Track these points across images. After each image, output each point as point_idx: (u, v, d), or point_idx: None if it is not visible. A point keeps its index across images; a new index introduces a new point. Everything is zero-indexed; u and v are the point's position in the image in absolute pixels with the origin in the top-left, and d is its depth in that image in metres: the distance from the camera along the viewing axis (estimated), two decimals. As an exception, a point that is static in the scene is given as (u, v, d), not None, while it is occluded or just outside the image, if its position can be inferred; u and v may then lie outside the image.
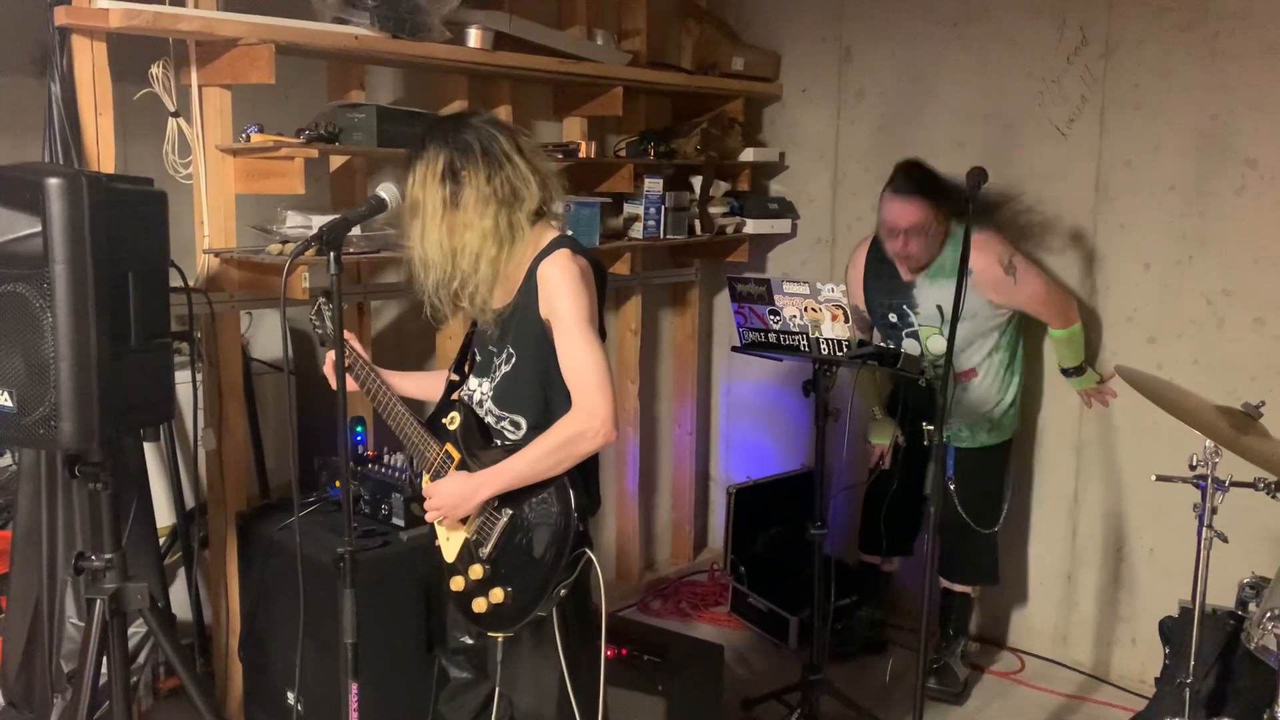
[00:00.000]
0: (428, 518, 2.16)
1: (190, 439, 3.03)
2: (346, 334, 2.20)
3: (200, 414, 2.93)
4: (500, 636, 2.13)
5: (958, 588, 3.48)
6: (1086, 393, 3.52)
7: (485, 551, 2.10)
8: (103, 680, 2.33)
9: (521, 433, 2.12)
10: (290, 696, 2.78)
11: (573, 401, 2.03)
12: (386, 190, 2.04)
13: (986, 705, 3.49)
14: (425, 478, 2.21)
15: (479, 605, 2.10)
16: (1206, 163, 3.31)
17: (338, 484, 2.96)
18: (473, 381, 2.22)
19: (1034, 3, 3.59)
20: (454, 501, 2.09)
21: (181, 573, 3.03)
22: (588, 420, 1.99)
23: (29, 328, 2.04)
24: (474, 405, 2.19)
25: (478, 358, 2.22)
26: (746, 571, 3.99)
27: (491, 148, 2.02)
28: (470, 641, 2.29)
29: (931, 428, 2.61)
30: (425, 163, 2.01)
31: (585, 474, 2.10)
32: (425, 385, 2.39)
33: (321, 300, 2.34)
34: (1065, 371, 3.47)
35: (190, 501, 3.06)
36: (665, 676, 2.73)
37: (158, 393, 2.26)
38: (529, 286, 2.05)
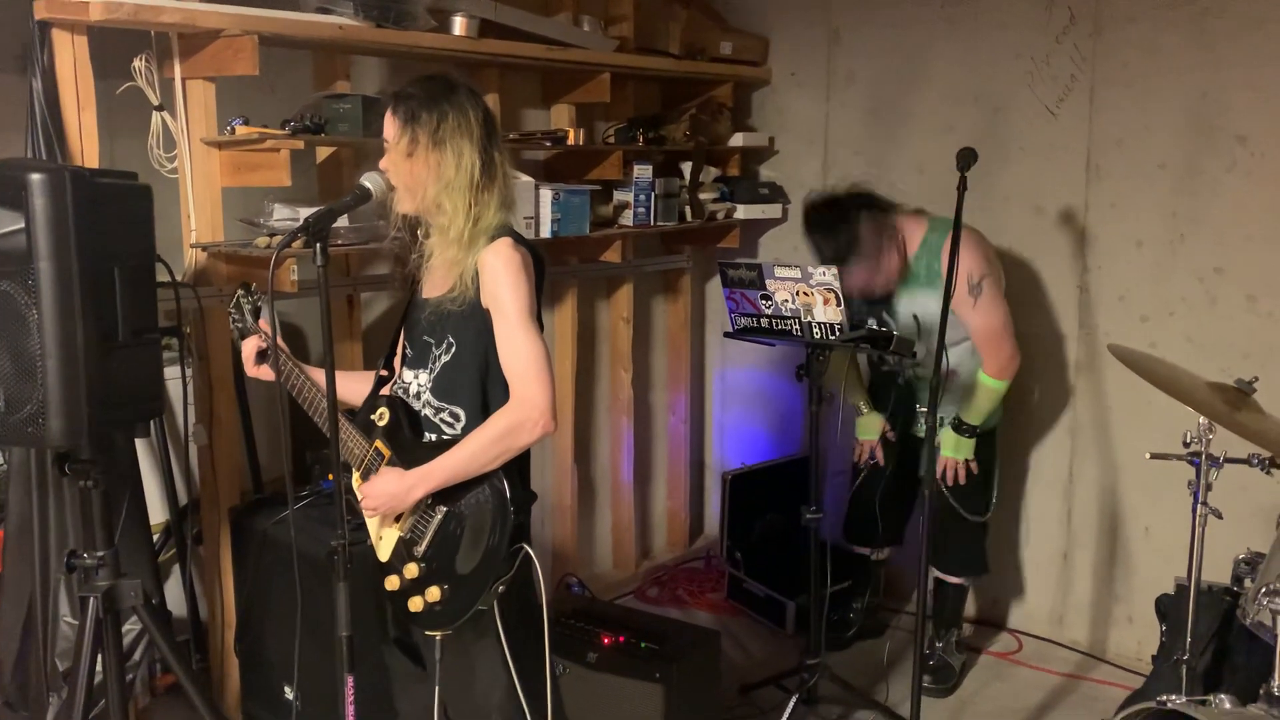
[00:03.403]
0: (365, 514, 2.14)
1: (181, 435, 3.02)
2: (264, 326, 2.19)
3: (191, 409, 2.91)
4: (439, 635, 2.10)
5: (950, 579, 3.46)
6: (946, 460, 3.24)
7: (420, 550, 2.09)
8: (98, 678, 2.32)
9: (461, 424, 2.10)
10: (288, 691, 2.77)
11: (510, 392, 2.02)
12: (371, 180, 2.02)
13: (985, 686, 3.50)
14: (355, 475, 2.19)
15: (415, 604, 2.08)
16: (1197, 140, 3.31)
17: (330, 477, 2.95)
18: (407, 374, 2.19)
19: (1022, -18, 3.58)
20: (388, 500, 2.08)
21: (176, 569, 3.02)
22: (526, 411, 1.99)
23: (15, 325, 2.02)
24: (410, 398, 2.16)
25: (409, 351, 2.20)
26: (743, 557, 3.99)
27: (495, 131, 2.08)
28: (408, 637, 2.25)
29: (925, 410, 2.60)
30: (460, 113, 2.02)
31: (519, 467, 2.08)
32: (349, 386, 2.31)
33: (240, 292, 2.31)
34: (959, 427, 3.21)
35: (183, 497, 3.04)
36: (663, 664, 2.73)
37: (147, 389, 2.25)
38: (472, 274, 2.03)
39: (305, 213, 2.86)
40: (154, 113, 2.80)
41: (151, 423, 2.77)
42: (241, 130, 2.75)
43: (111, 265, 2.12)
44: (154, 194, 2.29)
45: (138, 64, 2.72)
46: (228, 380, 2.94)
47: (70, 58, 2.51)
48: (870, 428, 3.46)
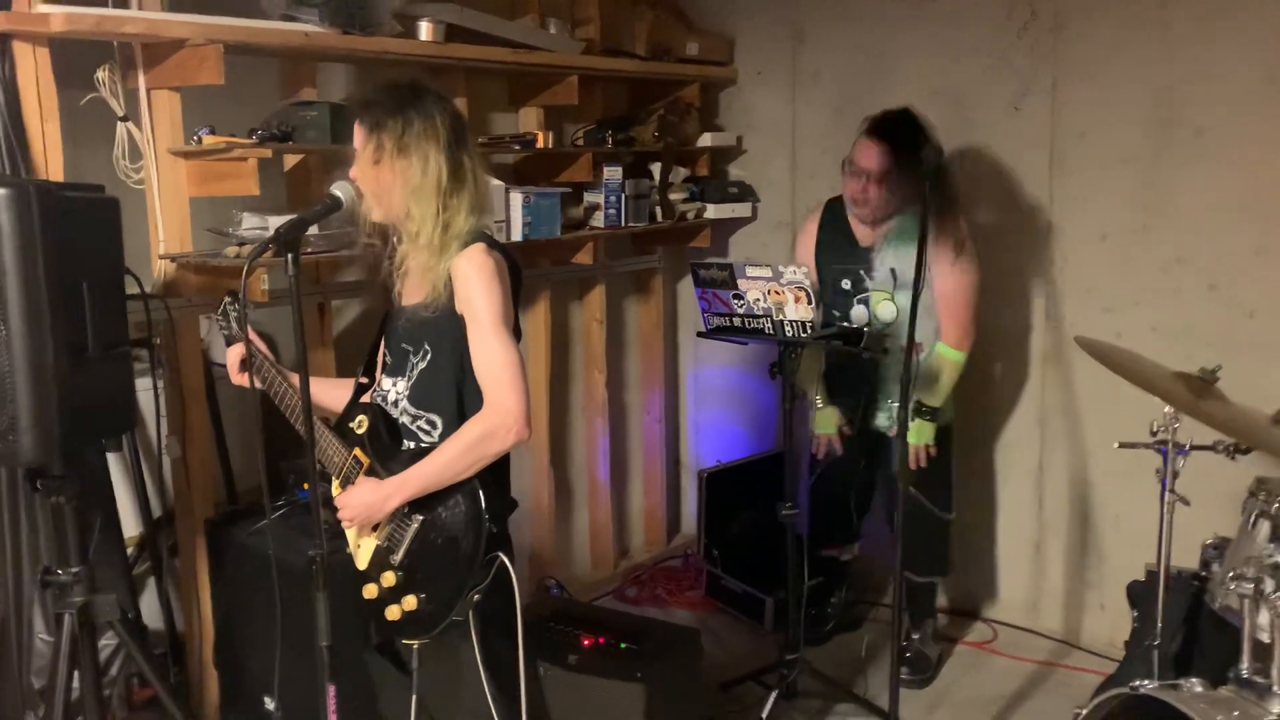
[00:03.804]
0: (342, 524, 2.14)
1: (153, 447, 3.00)
2: (251, 334, 2.19)
3: (163, 421, 2.89)
4: (416, 644, 2.11)
5: (916, 579, 3.47)
6: (915, 446, 3.23)
7: (397, 558, 2.09)
8: (75, 695, 2.30)
9: (438, 431, 2.10)
10: (267, 701, 2.76)
11: (484, 399, 2.02)
12: (341, 188, 2.02)
13: (961, 676, 3.54)
14: (334, 483, 2.19)
15: (392, 613, 2.09)
16: (1158, 133, 3.36)
17: (305, 486, 2.95)
18: (385, 382, 2.19)
19: (983, -21, 3.62)
20: (365, 510, 2.08)
21: (151, 582, 3.00)
22: (499, 418, 1.99)
23: (-17, 342, 2.01)
24: (389, 405, 2.17)
25: (388, 359, 2.20)
26: (720, 555, 4.01)
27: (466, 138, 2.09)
28: (390, 644, 2.26)
29: (897, 403, 2.63)
30: (426, 119, 2.02)
31: (497, 476, 2.09)
32: (329, 393, 2.32)
33: (227, 300, 2.31)
34: (920, 411, 3.21)
35: (157, 510, 3.02)
36: (643, 663, 2.74)
37: (118, 402, 2.24)
38: (445, 281, 2.04)
39: (274, 221, 2.86)
40: (119, 123, 2.77)
41: (123, 436, 2.76)
42: (209, 140, 2.73)
43: (80, 279, 2.10)
44: (120, 205, 2.28)
45: (101, 74, 2.69)
46: (199, 391, 2.93)
47: (32, 70, 2.49)
48: (827, 421, 3.47)
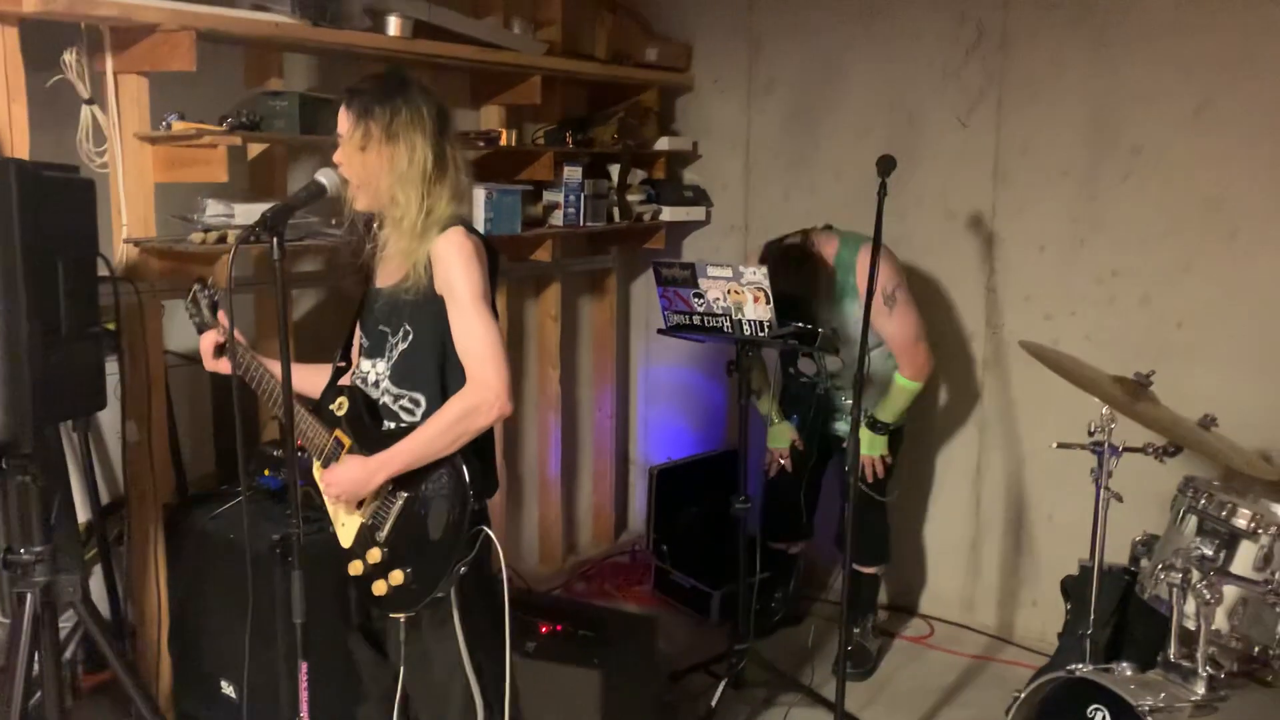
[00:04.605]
0: (328, 501, 2.18)
1: (102, 431, 2.98)
2: (224, 321, 2.22)
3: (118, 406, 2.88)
4: (402, 617, 2.15)
5: (863, 570, 3.58)
6: (864, 458, 3.35)
7: (382, 535, 2.14)
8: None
9: (421, 409, 2.15)
10: (224, 685, 2.77)
11: (466, 376, 2.08)
12: (325, 175, 2.06)
13: (899, 670, 3.66)
14: (316, 464, 2.22)
15: (379, 588, 2.13)
16: (1096, 150, 3.52)
17: (267, 472, 2.96)
18: (365, 364, 2.23)
19: (935, -2, 3.76)
20: (352, 486, 2.12)
21: (96, 569, 2.97)
22: (481, 394, 2.04)
23: (-43, 318, 2.01)
24: (369, 386, 2.21)
25: (365, 341, 2.24)
26: (669, 550, 4.08)
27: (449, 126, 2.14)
28: (372, 624, 2.30)
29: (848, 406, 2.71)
30: (413, 108, 2.07)
31: (480, 452, 2.14)
32: (308, 378, 2.34)
33: (196, 287, 2.33)
34: (873, 425, 3.34)
35: (105, 496, 3.00)
36: (600, 650, 2.80)
37: (89, 382, 2.25)
38: (425, 263, 2.09)
39: (240, 208, 2.88)
40: (84, 106, 2.76)
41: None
42: (178, 126, 2.74)
43: (55, 259, 2.11)
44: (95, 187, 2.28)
45: (68, 57, 2.68)
46: (161, 376, 2.92)
47: (1, 49, 2.48)
48: (780, 437, 3.58)
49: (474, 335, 2.06)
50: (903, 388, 3.34)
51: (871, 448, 3.37)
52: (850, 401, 3.35)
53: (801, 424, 3.57)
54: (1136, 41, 3.41)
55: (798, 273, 3.20)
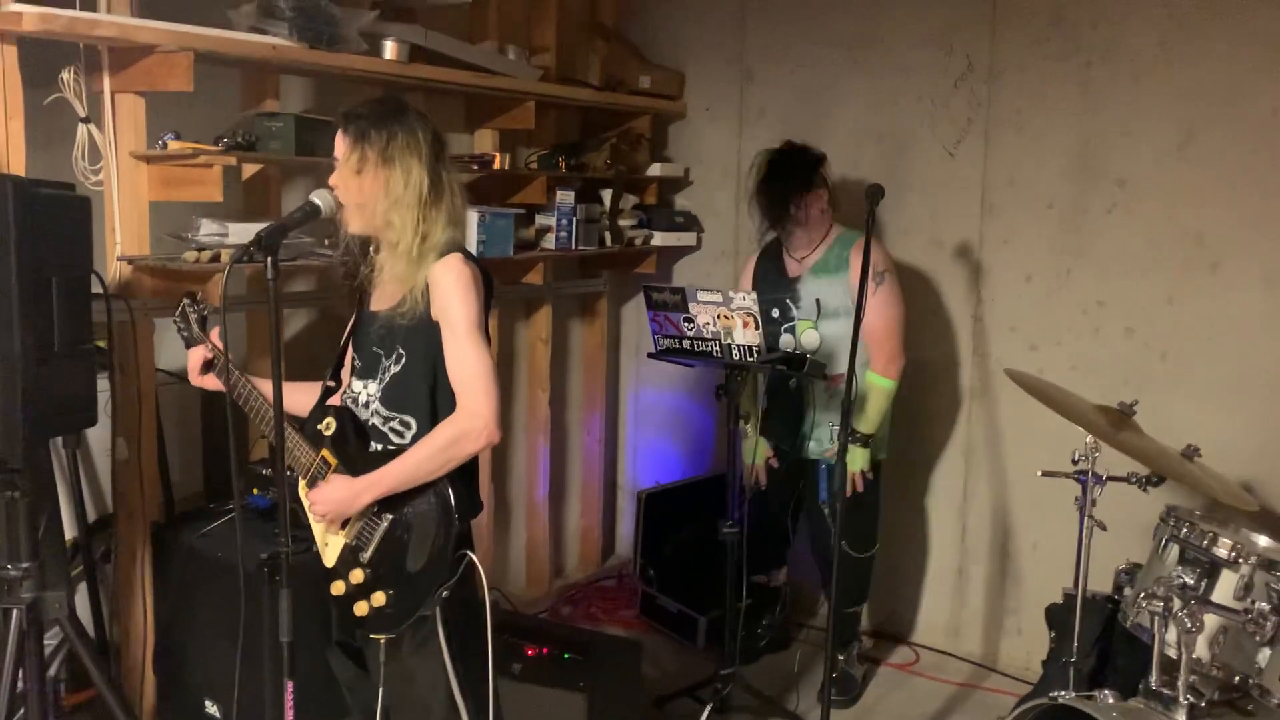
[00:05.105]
0: (314, 520, 2.19)
1: (90, 449, 2.98)
2: (215, 338, 2.23)
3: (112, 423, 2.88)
4: (383, 638, 2.15)
5: (840, 610, 3.50)
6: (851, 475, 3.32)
7: (366, 556, 2.15)
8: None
9: (411, 432, 2.16)
10: (209, 704, 2.76)
11: (457, 403, 2.10)
12: (320, 196, 2.08)
13: (885, 696, 3.66)
14: (301, 483, 2.23)
15: (360, 609, 2.14)
16: (1081, 182, 3.57)
17: (255, 491, 2.96)
18: (356, 384, 2.25)
19: (924, 30, 3.81)
20: (337, 506, 2.13)
21: (82, 586, 2.97)
22: (471, 421, 2.06)
23: (-49, 333, 2.02)
24: (359, 407, 2.22)
25: (357, 362, 2.26)
26: (656, 574, 4.08)
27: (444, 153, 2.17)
28: (353, 641, 2.29)
29: (834, 426, 2.73)
30: (409, 133, 2.10)
31: (465, 476, 2.16)
32: (296, 397, 2.32)
33: (186, 302, 2.34)
34: (853, 437, 3.25)
35: (92, 514, 3.00)
36: (586, 674, 2.81)
37: (81, 399, 2.25)
38: (422, 289, 2.10)
39: (234, 228, 2.90)
40: (80, 125, 2.78)
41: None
42: (174, 145, 2.76)
43: (49, 276, 2.12)
44: (91, 205, 2.30)
45: (66, 76, 2.71)
46: (151, 393, 2.93)
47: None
48: (756, 452, 3.56)
49: (467, 363, 2.08)
50: (874, 385, 3.31)
51: (853, 462, 3.33)
52: (821, 416, 3.41)
53: (778, 440, 3.54)
54: (1122, 76, 3.47)
55: (795, 173, 3.36)
